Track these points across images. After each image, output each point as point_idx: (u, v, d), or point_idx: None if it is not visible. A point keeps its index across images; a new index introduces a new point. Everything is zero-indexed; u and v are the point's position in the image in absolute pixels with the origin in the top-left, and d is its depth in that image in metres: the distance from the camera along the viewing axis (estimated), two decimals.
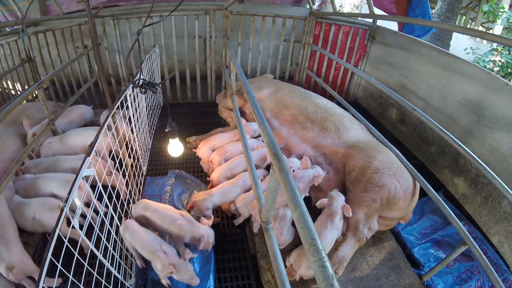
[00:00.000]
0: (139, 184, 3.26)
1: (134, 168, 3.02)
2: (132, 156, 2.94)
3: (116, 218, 2.32)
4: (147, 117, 3.97)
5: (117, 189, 2.51)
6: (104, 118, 2.33)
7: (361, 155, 2.90)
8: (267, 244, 1.60)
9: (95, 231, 1.90)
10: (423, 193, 2.82)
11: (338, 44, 5.73)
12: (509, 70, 8.94)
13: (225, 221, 3.14)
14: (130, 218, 2.51)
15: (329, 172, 3.08)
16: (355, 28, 5.52)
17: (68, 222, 1.63)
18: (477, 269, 2.87)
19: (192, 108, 5.49)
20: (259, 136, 3.64)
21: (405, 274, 2.66)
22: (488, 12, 10.05)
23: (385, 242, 2.94)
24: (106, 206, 2.16)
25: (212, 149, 3.53)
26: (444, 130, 2.67)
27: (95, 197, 1.98)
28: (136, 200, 3.00)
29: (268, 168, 3.28)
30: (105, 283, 1.95)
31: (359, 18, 5.71)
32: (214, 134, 3.85)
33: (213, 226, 2.59)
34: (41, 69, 5.02)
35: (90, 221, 1.83)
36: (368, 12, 4.97)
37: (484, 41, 11.83)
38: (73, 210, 1.59)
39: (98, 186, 2.00)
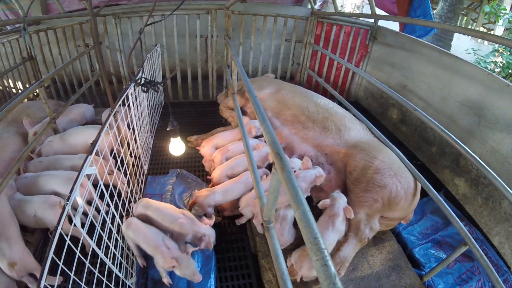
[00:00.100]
0: (140, 183, 3.26)
1: (135, 167, 3.02)
2: (133, 155, 2.94)
3: (117, 216, 2.32)
4: (149, 116, 3.97)
5: (118, 188, 2.52)
6: (106, 117, 2.33)
7: (362, 155, 2.90)
8: (268, 243, 1.60)
9: (96, 229, 1.91)
10: (423, 194, 2.83)
11: (339, 44, 5.73)
12: (510, 71, 8.91)
13: (226, 220, 3.14)
14: (131, 216, 2.51)
15: (330, 172, 3.08)
16: (356, 28, 5.52)
17: (70, 220, 1.63)
18: (478, 270, 2.87)
19: (193, 108, 5.49)
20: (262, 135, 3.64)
21: (405, 274, 2.66)
22: (489, 13, 10.04)
23: (386, 242, 2.94)
24: (108, 205, 2.16)
25: (215, 147, 3.54)
26: (445, 130, 2.67)
27: (97, 196, 1.99)
28: (137, 199, 3.00)
29: (269, 167, 3.29)
30: (106, 281, 1.95)
31: (361, 18, 5.71)
32: (215, 134, 3.86)
33: (214, 225, 2.59)
34: (42, 68, 5.02)
35: (91, 219, 1.84)
36: (369, 12, 4.97)
37: (485, 42, 11.83)
38: (74, 208, 1.59)
39: (100, 185, 2.00)
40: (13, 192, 2.78)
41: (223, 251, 2.85)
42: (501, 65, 9.28)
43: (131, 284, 2.36)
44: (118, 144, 2.62)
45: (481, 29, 13.57)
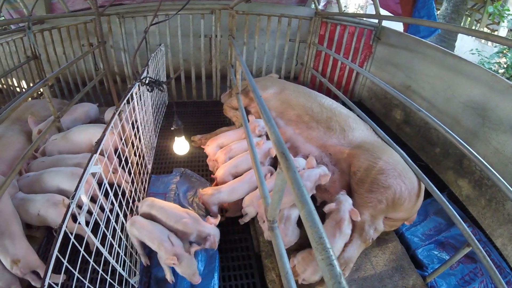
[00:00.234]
0: (144, 182, 3.27)
1: (139, 166, 3.03)
2: (137, 154, 2.95)
3: (121, 215, 2.33)
4: (153, 116, 3.98)
5: (122, 187, 2.52)
6: (110, 115, 2.34)
7: (366, 155, 2.90)
8: (272, 243, 1.60)
9: (100, 228, 1.91)
10: (427, 195, 2.82)
11: (343, 44, 5.72)
12: None
13: (229, 219, 3.15)
14: (135, 215, 2.52)
15: (335, 173, 3.08)
16: (360, 28, 5.51)
17: (74, 219, 1.63)
18: (481, 271, 2.87)
19: (197, 107, 5.50)
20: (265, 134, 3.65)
21: (408, 275, 2.66)
22: (493, 13, 10.02)
23: (389, 243, 2.94)
24: (112, 204, 2.17)
25: (220, 146, 3.56)
26: (449, 131, 2.67)
27: (101, 194, 1.99)
28: (141, 198, 3.01)
29: (273, 165, 3.29)
30: (110, 280, 1.96)
31: (364, 19, 5.70)
32: (219, 133, 3.86)
33: (217, 225, 2.59)
34: (46, 67, 5.05)
35: (96, 218, 1.84)
36: (373, 13, 4.97)
37: (489, 43, 11.80)
38: (79, 207, 1.59)
39: (104, 184, 2.01)
40: (15, 191, 2.80)
41: (227, 250, 2.86)
42: (505, 66, 9.25)
43: (134, 282, 2.37)
44: (123, 143, 2.63)
45: (485, 30, 13.51)
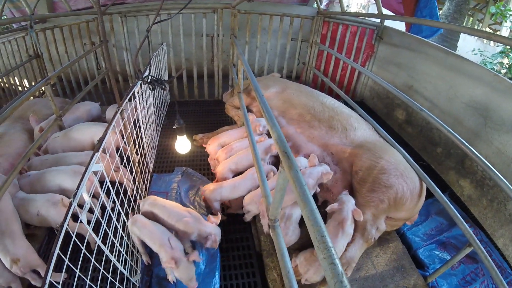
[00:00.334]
0: (145, 181, 3.27)
1: (140, 164, 3.03)
2: (139, 153, 2.96)
3: (123, 214, 2.33)
4: (155, 114, 3.98)
5: (124, 185, 2.52)
6: (111, 113, 2.34)
7: (368, 155, 2.89)
8: (274, 242, 1.60)
9: (102, 226, 1.91)
10: (428, 195, 2.82)
11: (345, 43, 5.72)
12: None
13: (230, 218, 3.15)
14: (137, 214, 2.52)
15: (337, 173, 3.07)
16: (362, 28, 5.50)
17: (75, 217, 1.64)
18: (482, 272, 2.86)
19: (199, 106, 5.51)
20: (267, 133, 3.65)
21: (410, 275, 2.66)
22: (495, 13, 10.00)
23: (390, 242, 2.93)
24: (113, 202, 2.17)
25: (222, 145, 3.57)
26: (451, 131, 2.66)
27: (103, 193, 2.00)
28: (142, 197, 3.02)
29: (275, 164, 3.29)
30: (111, 278, 1.96)
31: (367, 18, 5.68)
32: (220, 132, 3.86)
33: (218, 224, 2.59)
34: (49, 66, 5.06)
35: (97, 216, 1.84)
36: (375, 12, 4.96)
37: (491, 43, 11.77)
38: (80, 205, 1.60)
39: (106, 182, 2.01)
40: (15, 190, 2.79)
41: (228, 249, 2.86)
42: (508, 66, 9.23)
43: (136, 281, 2.37)
44: (124, 142, 2.63)
45: (487, 29, 13.49)
